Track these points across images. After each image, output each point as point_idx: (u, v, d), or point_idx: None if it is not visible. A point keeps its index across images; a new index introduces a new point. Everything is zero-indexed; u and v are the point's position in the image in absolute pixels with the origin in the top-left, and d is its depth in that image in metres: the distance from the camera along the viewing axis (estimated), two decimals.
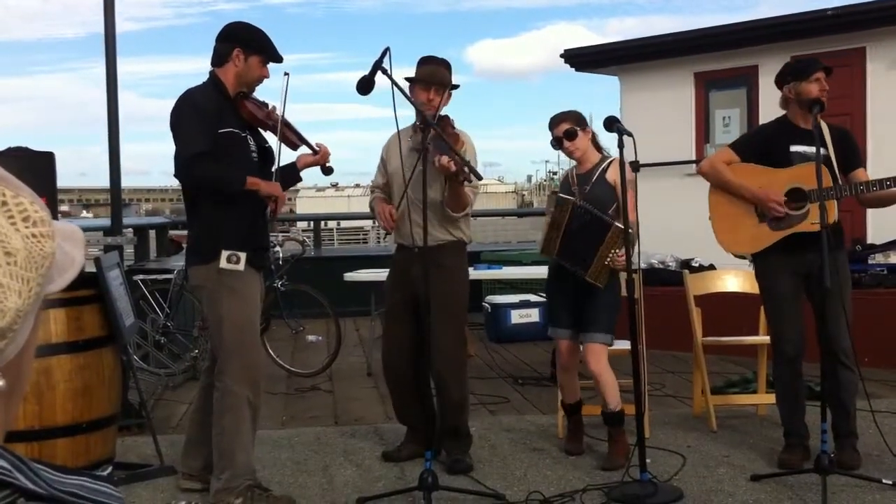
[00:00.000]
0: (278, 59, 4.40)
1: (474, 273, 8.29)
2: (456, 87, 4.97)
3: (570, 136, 5.03)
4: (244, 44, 4.29)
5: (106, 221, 7.14)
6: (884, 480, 4.40)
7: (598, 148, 5.18)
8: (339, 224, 29.57)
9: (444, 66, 4.96)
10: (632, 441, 4.73)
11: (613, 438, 4.99)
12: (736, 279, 6.13)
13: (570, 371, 5.16)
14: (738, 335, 6.06)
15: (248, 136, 4.35)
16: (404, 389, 5.07)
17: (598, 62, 10.06)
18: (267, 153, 4.50)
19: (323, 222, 20.33)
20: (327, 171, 4.70)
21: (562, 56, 10.12)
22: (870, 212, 7.52)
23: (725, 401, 6.03)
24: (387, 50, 4.42)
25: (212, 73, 4.35)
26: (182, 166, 4.18)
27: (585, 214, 4.87)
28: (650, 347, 6.04)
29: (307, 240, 11.22)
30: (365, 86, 4.43)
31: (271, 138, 4.51)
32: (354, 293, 8.65)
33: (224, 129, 4.20)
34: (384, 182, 5.12)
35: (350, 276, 8.14)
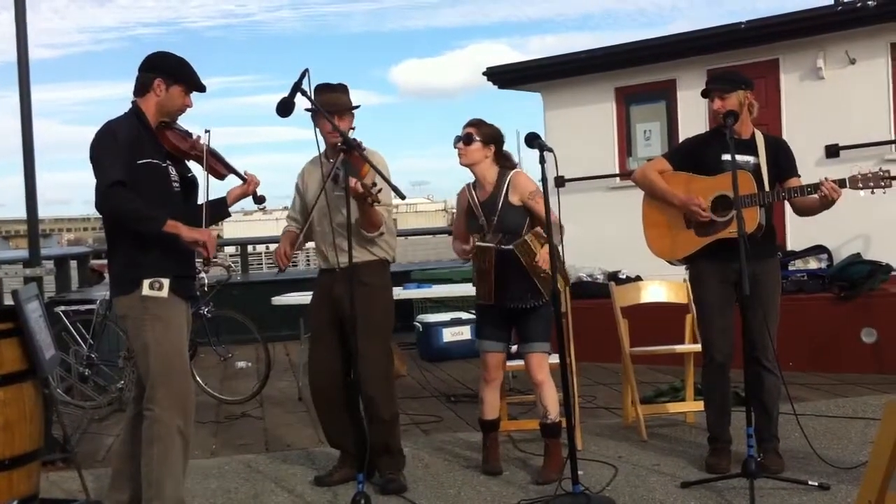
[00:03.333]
0: (201, 89, 4.36)
1: (405, 292, 8.31)
2: (356, 107, 4.95)
3: (467, 140, 4.96)
4: (166, 73, 4.25)
5: (24, 253, 6.98)
6: (809, 482, 4.50)
7: (503, 165, 5.05)
8: (267, 248, 29.27)
9: (341, 90, 4.95)
10: (564, 453, 4.75)
11: (550, 451, 4.97)
12: (661, 289, 6.22)
13: (495, 386, 5.11)
14: (666, 344, 6.13)
15: (170, 167, 4.28)
16: (334, 412, 5.02)
17: (521, 79, 10.14)
18: (191, 183, 4.43)
19: (250, 246, 20.11)
20: (259, 200, 4.61)
21: (485, 74, 10.17)
22: (789, 219, 7.70)
23: (655, 410, 6.10)
24: (306, 71, 4.41)
25: (133, 104, 4.30)
26: (100, 197, 4.08)
27: (501, 253, 4.84)
28: (580, 360, 6.10)
29: (233, 265, 11.12)
30: (285, 108, 4.40)
31: (196, 167, 4.44)
32: (283, 317, 8.59)
33: (143, 160, 4.13)
34: (301, 208, 5.10)
35: (278, 300, 8.07)
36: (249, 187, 4.48)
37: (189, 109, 4.36)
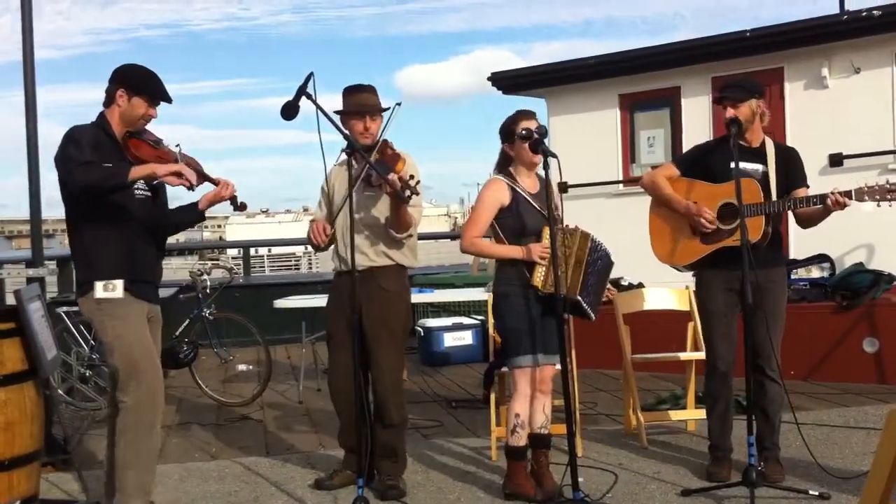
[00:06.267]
0: (166, 100, 4.43)
1: None
2: (386, 109, 4.95)
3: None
4: (128, 85, 4.35)
5: (27, 253, 6.99)
6: (810, 492, 4.48)
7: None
8: (269, 251, 29.33)
9: (372, 91, 4.97)
10: (564, 460, 4.72)
11: (547, 462, 4.83)
12: (663, 296, 6.21)
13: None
14: (667, 352, 6.12)
15: None
16: (351, 414, 4.99)
17: (525, 85, 10.13)
18: (158, 188, 4.48)
19: (253, 249, 20.14)
20: (239, 206, 4.57)
21: (489, 79, 10.18)
22: (791, 228, 7.68)
23: (656, 417, 6.09)
24: (311, 75, 4.41)
25: (100, 114, 4.40)
26: (74, 176, 4.10)
27: (598, 249, 4.78)
28: (581, 366, 6.09)
29: (235, 267, 11.13)
30: (289, 111, 4.40)
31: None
32: (285, 320, 8.57)
33: (104, 164, 4.19)
34: (325, 215, 5.07)
35: (280, 303, 8.08)
36: (222, 191, 4.46)
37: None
